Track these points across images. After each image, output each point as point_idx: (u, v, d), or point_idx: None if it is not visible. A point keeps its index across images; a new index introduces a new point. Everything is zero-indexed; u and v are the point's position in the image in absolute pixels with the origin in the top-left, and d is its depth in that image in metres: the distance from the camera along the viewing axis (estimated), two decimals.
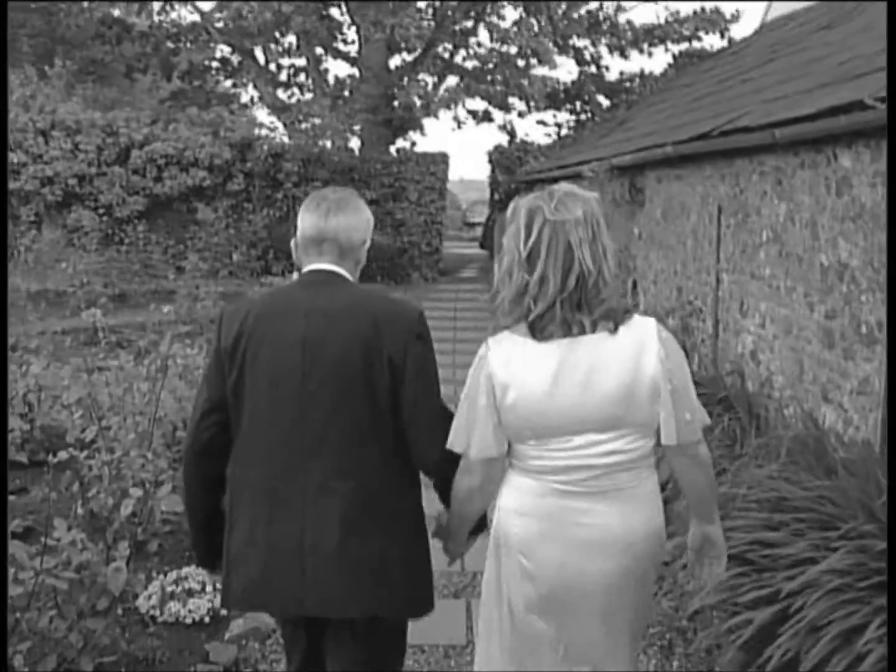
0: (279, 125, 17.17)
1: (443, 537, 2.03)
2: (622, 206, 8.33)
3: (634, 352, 1.77)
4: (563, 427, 1.78)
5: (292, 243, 2.09)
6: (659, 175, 7.36)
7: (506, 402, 1.78)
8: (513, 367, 1.78)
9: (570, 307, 1.76)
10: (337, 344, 1.89)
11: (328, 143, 15.96)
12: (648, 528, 1.85)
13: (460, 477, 1.86)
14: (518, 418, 1.78)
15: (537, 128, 21.81)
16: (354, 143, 19.39)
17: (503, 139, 20.77)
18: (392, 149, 19.12)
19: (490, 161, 17.21)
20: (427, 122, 25.97)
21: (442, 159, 17.06)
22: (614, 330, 1.78)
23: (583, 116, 18.64)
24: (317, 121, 16.11)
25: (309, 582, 1.87)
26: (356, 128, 19.41)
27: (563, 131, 19.51)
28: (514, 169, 16.59)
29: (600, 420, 1.77)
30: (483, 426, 1.80)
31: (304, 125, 16.18)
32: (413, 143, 21.91)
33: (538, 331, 1.77)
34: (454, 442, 1.84)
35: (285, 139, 16.13)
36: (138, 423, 3.66)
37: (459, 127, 20.73)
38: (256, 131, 15.57)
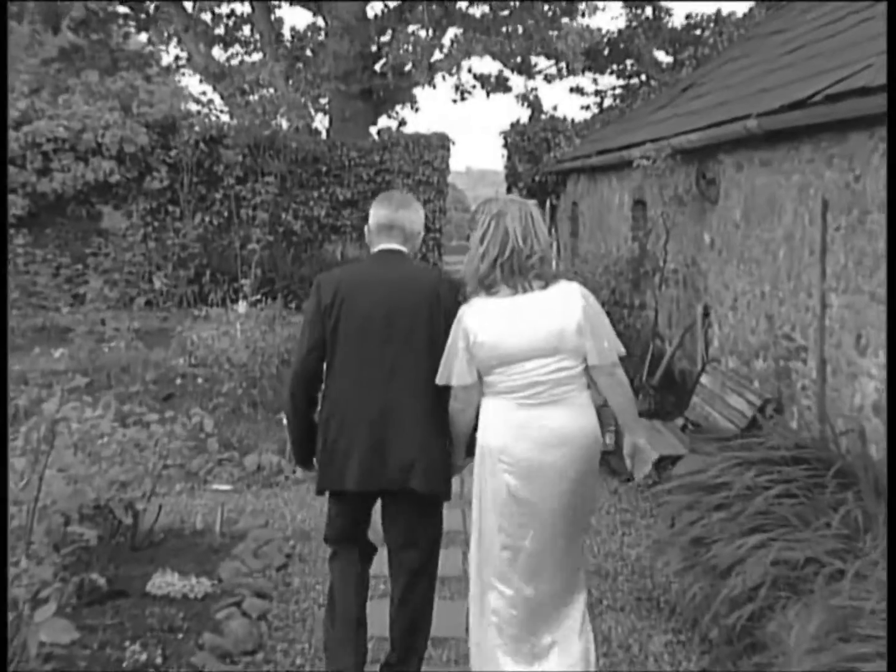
0: (215, 98, 17.39)
1: (450, 457, 3.97)
2: (687, 204, 8.37)
3: (563, 301, 3.68)
4: (519, 355, 3.65)
5: (366, 229, 4.08)
6: (738, 160, 7.41)
7: (477, 341, 3.67)
8: (479, 318, 3.69)
9: (509, 271, 3.69)
10: (410, 298, 3.86)
11: (284, 123, 16.16)
12: (586, 427, 3.70)
13: (451, 400, 3.80)
14: (486, 352, 3.67)
15: (570, 98, 21.92)
16: (321, 122, 19.70)
17: (523, 115, 21.09)
18: (373, 130, 19.33)
19: (506, 144, 17.43)
20: (420, 93, 26.34)
21: (441, 143, 17.26)
22: (545, 287, 3.71)
23: (633, 81, 18.80)
24: (268, 92, 16.33)
25: (389, 466, 3.78)
26: (323, 101, 19.64)
27: (607, 102, 19.73)
28: (538, 155, 16.78)
29: (544, 348, 3.64)
30: (460, 361, 3.71)
31: (250, 98, 16.41)
32: (402, 123, 22.18)
33: (486, 287, 3.73)
34: (441, 377, 3.75)
35: (225, 118, 16.36)
36: (11, 517, 3.63)
37: (464, 98, 20.97)
38: (184, 106, 15.73)
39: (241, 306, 10.05)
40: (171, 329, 10.69)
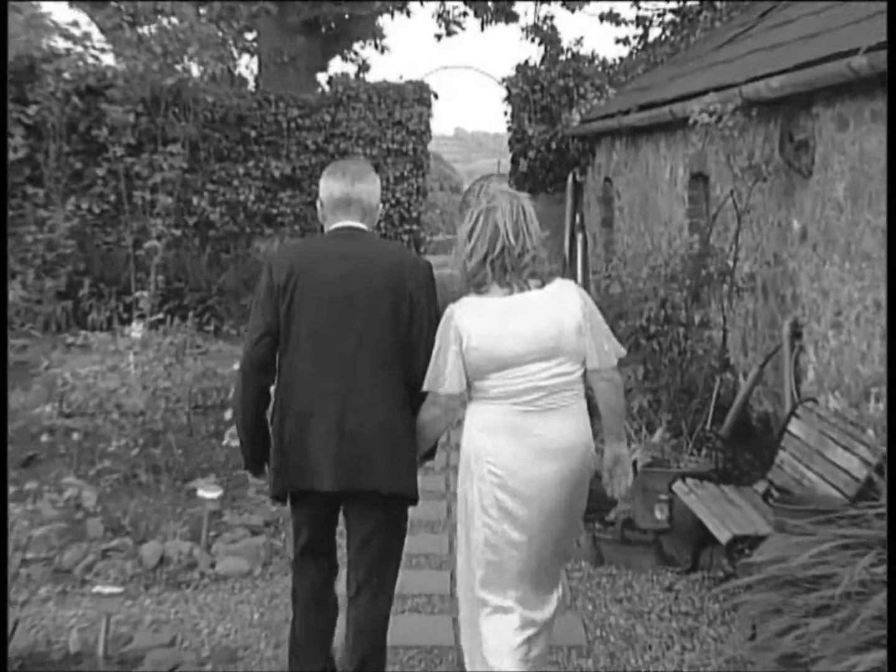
0: (93, 31, 17.27)
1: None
2: (768, 178, 8.39)
3: (560, 301, 4.62)
4: (518, 359, 4.53)
5: (318, 204, 4.95)
6: (841, 114, 7.44)
7: (471, 345, 4.54)
8: (472, 319, 4.57)
9: (501, 270, 4.58)
10: (370, 279, 4.70)
11: (194, 69, 16.15)
12: (582, 437, 4.66)
13: (427, 406, 4.72)
14: (481, 356, 4.54)
15: (601, 29, 21.99)
16: (248, 67, 19.74)
17: (534, 54, 21.08)
18: (322, 78, 19.38)
19: (509, 97, 17.51)
20: (389, 25, 26.21)
21: (419, 96, 17.30)
22: (541, 286, 4.62)
23: (690, 2, 18.87)
24: (170, 23, 16.26)
25: (353, 463, 4.65)
26: (249, 37, 19.68)
27: (653, 33, 19.79)
28: (555, 111, 16.86)
29: (542, 351, 4.54)
30: (453, 366, 4.56)
31: (143, 31, 16.32)
32: (363, 68, 22.24)
33: (475, 286, 4.62)
34: (430, 384, 4.63)
35: (108, 59, 16.31)
36: None
37: (451, 32, 21.04)
38: (47, 42, 15.67)
39: (136, 330, 10.00)
40: (32, 363, 10.65)
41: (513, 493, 4.58)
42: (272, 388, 4.83)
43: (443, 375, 4.59)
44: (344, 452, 4.67)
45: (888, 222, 5.05)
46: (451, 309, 4.65)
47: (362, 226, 4.90)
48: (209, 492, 7.53)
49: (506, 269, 4.60)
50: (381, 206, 5.08)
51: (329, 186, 4.90)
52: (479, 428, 4.65)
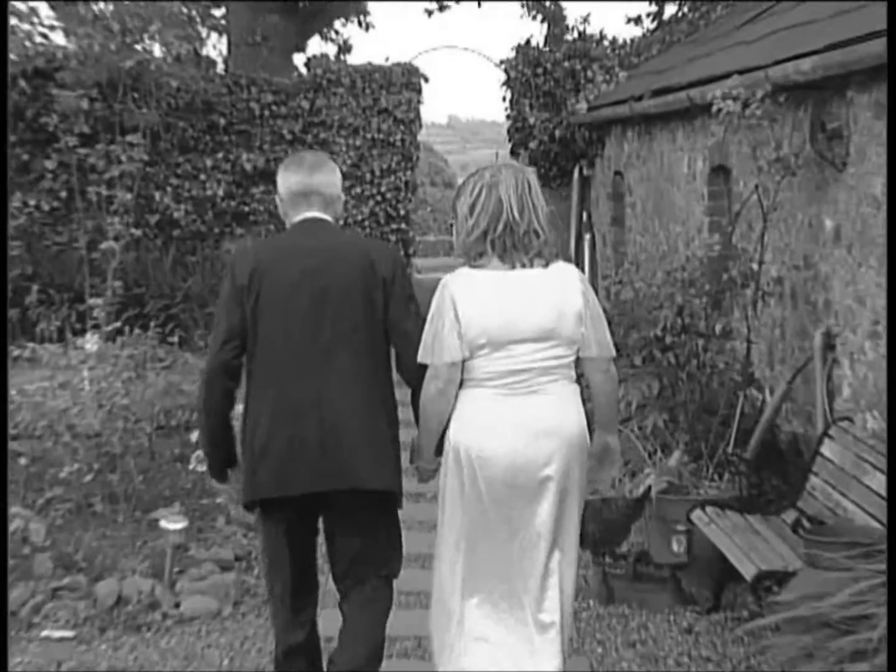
0: (42, 7, 17.27)
1: (415, 459, 5.26)
2: (797, 171, 8.40)
3: (562, 284, 4.91)
4: (510, 337, 4.80)
5: (277, 199, 5.28)
6: (880, 100, 7.44)
7: (465, 314, 4.78)
8: (468, 290, 4.83)
9: (502, 248, 4.85)
10: (340, 271, 4.98)
11: (156, 49, 16.17)
12: (571, 419, 4.95)
13: (428, 382, 4.90)
14: (476, 329, 4.78)
15: (611, 6, 22.10)
16: (216, 47, 19.70)
17: (536, 32, 21.06)
18: (299, 60, 19.35)
19: (508, 81, 17.55)
20: (374, 2, 26.21)
21: (407, 81, 17.24)
22: (546, 266, 4.89)
23: None
24: None
25: (332, 461, 4.89)
26: (218, 13, 19.68)
27: (669, 10, 19.81)
28: (560, 96, 16.89)
29: (537, 332, 4.82)
30: (449, 335, 4.79)
31: (99, 5, 16.34)
32: (344, 48, 22.23)
33: (472, 259, 4.90)
34: (424, 355, 4.87)
35: (58, 39, 16.29)
36: None
37: (441, 9, 21.08)
38: None
39: (91, 341, 9.98)
40: None
41: (498, 479, 4.86)
42: (239, 391, 5.12)
43: (440, 344, 4.84)
44: (321, 451, 4.93)
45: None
46: (446, 279, 4.93)
47: (326, 217, 5.22)
48: (173, 523, 7.50)
49: (506, 246, 4.86)
50: (342, 197, 5.42)
51: (287, 180, 5.23)
52: (464, 412, 4.94)
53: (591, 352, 4.97)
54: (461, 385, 4.94)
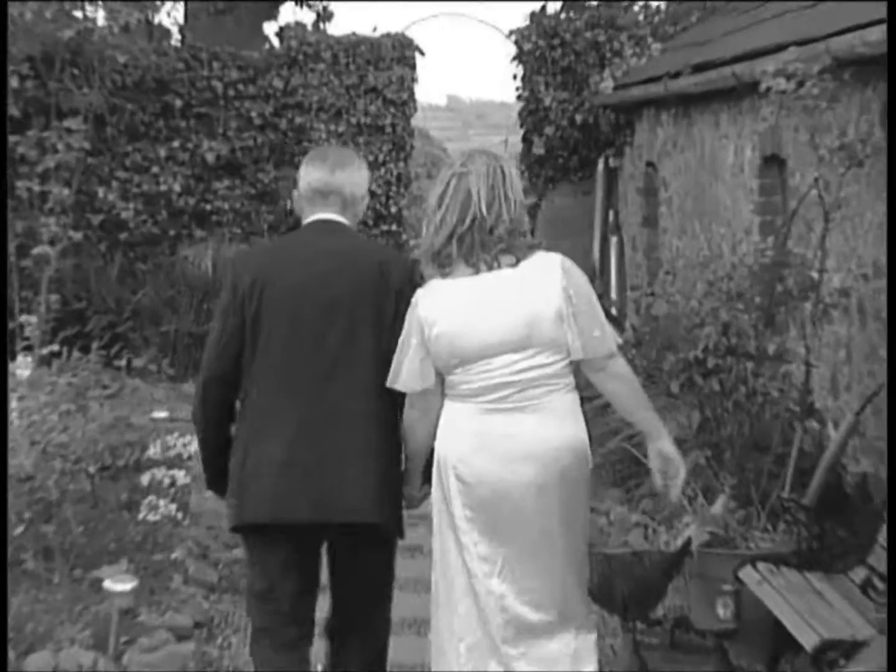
0: None
1: (404, 483, 5.58)
2: (865, 161, 8.38)
3: (537, 281, 5.16)
4: (483, 350, 5.13)
5: (294, 194, 5.77)
6: None
7: (433, 335, 5.16)
8: (436, 307, 5.19)
9: (469, 246, 5.17)
10: (351, 277, 5.38)
11: (100, 17, 16.22)
12: (564, 438, 5.20)
13: (406, 410, 5.37)
14: (444, 348, 5.16)
15: None
16: (171, 16, 19.70)
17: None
18: (269, 30, 19.34)
19: (520, 55, 17.56)
20: None
21: (400, 55, 17.35)
22: (515, 264, 5.17)
23: None
24: None
25: (329, 488, 5.24)
26: None
27: None
28: (581, 73, 16.94)
29: (512, 341, 5.11)
30: (410, 361, 5.20)
31: None
32: (324, 16, 22.18)
33: (439, 265, 5.23)
34: (390, 379, 5.25)
35: None
36: None
37: None
38: None
39: (22, 366, 9.99)
40: None
41: (480, 503, 5.18)
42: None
43: (407, 372, 5.23)
44: (319, 478, 5.28)
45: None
46: (417, 296, 5.28)
47: (341, 219, 5.60)
48: (119, 583, 7.49)
49: (473, 244, 5.18)
50: (367, 198, 5.82)
51: (307, 175, 5.65)
52: (447, 430, 5.31)
53: (576, 353, 5.17)
54: (446, 398, 5.32)
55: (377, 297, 5.38)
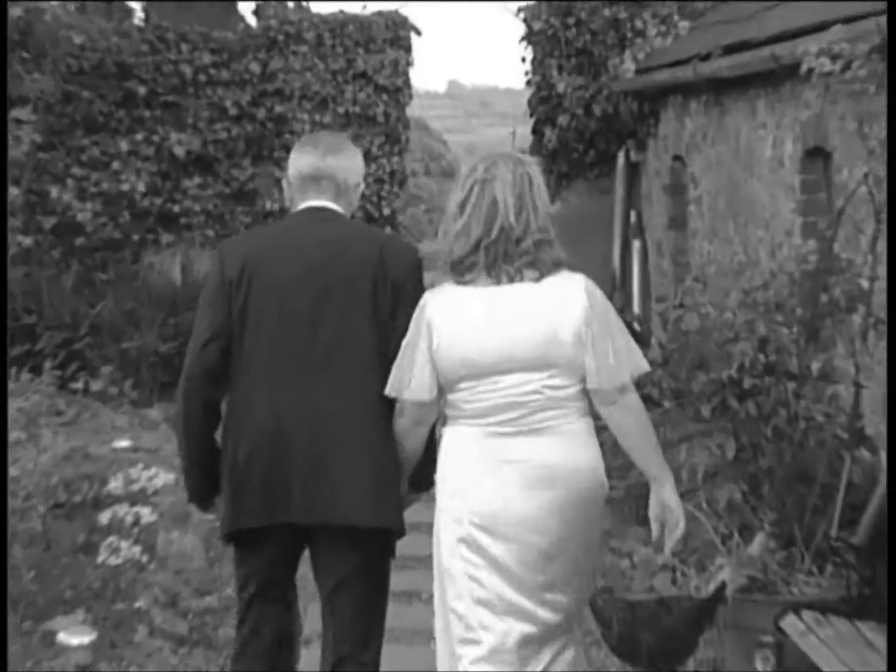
0: None
1: None
2: None
3: (559, 299, 5.37)
4: (494, 367, 5.34)
5: (284, 183, 6.03)
6: None
7: (441, 343, 5.37)
8: (447, 313, 5.42)
9: (495, 256, 5.36)
10: (346, 266, 5.67)
11: None
12: (577, 463, 5.42)
13: (396, 418, 5.62)
14: (451, 359, 5.37)
15: None
16: None
17: None
18: (245, 8, 19.34)
19: (529, 36, 17.64)
20: None
21: (393, 35, 17.49)
22: (539, 279, 5.38)
23: None
24: None
25: (322, 489, 5.55)
26: None
27: None
28: (598, 56, 16.93)
29: (526, 360, 5.33)
30: (420, 369, 5.42)
31: None
32: None
33: (458, 273, 5.42)
34: (391, 387, 5.51)
35: None
36: None
37: None
38: None
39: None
40: None
41: (497, 537, 5.35)
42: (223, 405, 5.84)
43: (407, 378, 5.45)
44: (314, 478, 5.57)
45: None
46: (426, 298, 5.50)
47: (335, 206, 5.87)
48: (76, 636, 7.49)
49: (498, 255, 5.37)
50: (361, 185, 6.07)
51: (298, 160, 5.93)
52: (451, 456, 5.52)
53: (591, 382, 5.38)
54: (445, 421, 5.56)
55: (375, 286, 5.62)
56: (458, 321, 5.38)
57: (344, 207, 5.90)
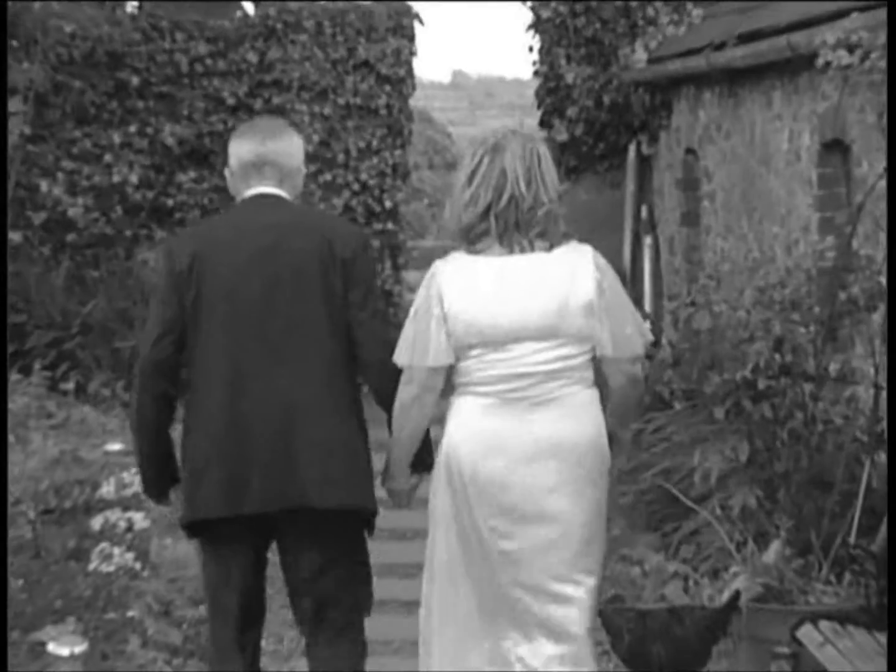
0: None
1: (386, 481, 6.14)
2: None
3: (570, 269, 5.67)
4: (506, 334, 5.60)
5: (227, 172, 6.20)
6: None
7: (453, 310, 5.60)
8: (459, 281, 5.67)
9: (506, 225, 5.63)
10: (293, 253, 5.90)
11: None
12: (583, 434, 5.70)
13: (401, 388, 5.73)
14: (464, 326, 5.60)
15: None
16: None
17: None
18: None
19: (537, 24, 17.64)
20: None
21: (396, 25, 17.45)
22: (549, 249, 5.69)
23: None
24: None
25: (289, 474, 5.75)
26: None
27: None
28: (609, 45, 16.95)
29: (537, 329, 5.60)
30: (435, 335, 5.60)
31: None
32: None
33: (470, 241, 5.70)
34: (400, 356, 5.70)
35: None
36: None
37: None
38: None
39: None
40: None
41: (501, 508, 5.62)
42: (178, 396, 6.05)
43: (422, 344, 5.62)
44: (275, 462, 5.77)
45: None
46: (436, 265, 5.74)
47: (280, 192, 6.08)
48: (66, 646, 7.48)
49: (509, 224, 5.62)
50: (303, 170, 6.33)
51: (237, 148, 6.13)
52: (456, 426, 5.72)
53: (605, 350, 5.65)
54: (452, 391, 5.76)
55: (324, 268, 5.83)
56: (468, 290, 5.59)
57: (289, 192, 6.09)
